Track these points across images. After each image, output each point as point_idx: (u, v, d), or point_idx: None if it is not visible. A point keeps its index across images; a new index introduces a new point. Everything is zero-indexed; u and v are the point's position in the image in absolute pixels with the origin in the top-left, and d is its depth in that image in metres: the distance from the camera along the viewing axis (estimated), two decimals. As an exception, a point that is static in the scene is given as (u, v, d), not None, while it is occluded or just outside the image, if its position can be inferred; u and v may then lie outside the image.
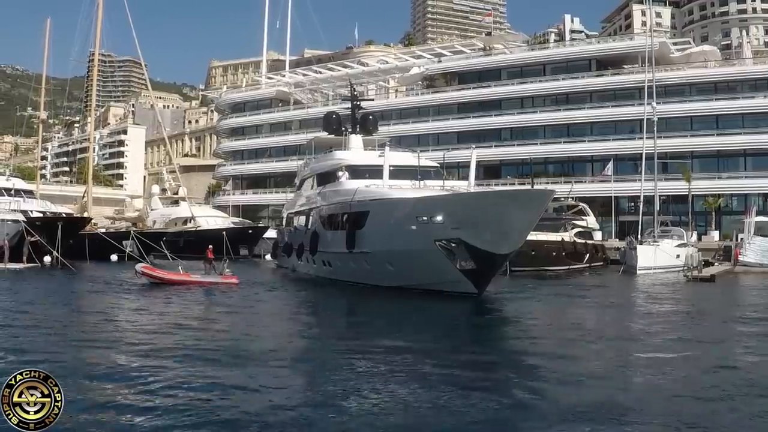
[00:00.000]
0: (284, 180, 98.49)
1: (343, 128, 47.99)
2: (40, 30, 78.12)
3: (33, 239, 47.91)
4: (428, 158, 45.56)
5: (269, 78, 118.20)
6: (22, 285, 37.12)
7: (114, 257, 54.33)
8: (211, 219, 74.25)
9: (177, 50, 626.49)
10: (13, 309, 25.90)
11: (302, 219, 49.40)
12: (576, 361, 16.83)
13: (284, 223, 62.08)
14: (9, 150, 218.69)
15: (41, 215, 53.11)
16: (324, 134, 51.19)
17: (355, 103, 48.38)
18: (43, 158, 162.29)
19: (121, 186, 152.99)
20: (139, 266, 36.44)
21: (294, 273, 47.76)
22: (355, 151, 44.52)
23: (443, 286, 31.19)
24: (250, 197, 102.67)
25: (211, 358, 16.44)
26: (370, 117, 50.58)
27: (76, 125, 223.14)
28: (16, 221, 49.62)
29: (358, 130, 47.06)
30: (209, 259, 39.09)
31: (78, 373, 14.21)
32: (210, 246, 40.83)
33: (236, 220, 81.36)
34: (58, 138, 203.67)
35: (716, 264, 54.57)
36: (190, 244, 60.46)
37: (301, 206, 50.17)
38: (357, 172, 39.31)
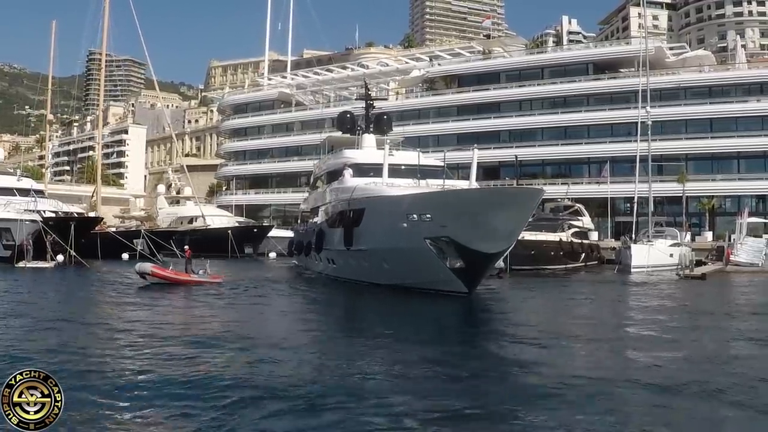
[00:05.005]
0: (285, 180, 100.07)
1: (357, 127, 48.18)
2: (38, 29, 79.73)
3: (49, 238, 49.28)
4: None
5: (270, 79, 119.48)
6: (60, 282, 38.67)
7: (125, 255, 55.44)
8: (216, 218, 75.33)
9: (174, 49, 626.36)
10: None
11: (315, 218, 50.13)
12: (571, 349, 18.65)
13: (299, 221, 63.17)
14: (8, 149, 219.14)
15: (54, 215, 54.25)
16: (338, 133, 51.65)
17: (369, 102, 48.62)
18: (44, 157, 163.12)
19: (123, 185, 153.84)
20: (148, 266, 36.59)
21: (307, 271, 48.47)
22: (365, 149, 44.64)
23: (436, 285, 31.03)
24: (252, 197, 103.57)
25: (216, 351, 17.09)
26: (385, 116, 50.76)
27: (75, 124, 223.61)
28: (33, 221, 50.87)
29: (371, 129, 47.24)
30: (189, 260, 39.33)
31: (84, 372, 14.42)
32: (186, 246, 41.29)
33: (241, 219, 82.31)
34: (57, 137, 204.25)
35: (709, 263, 55.87)
36: (197, 242, 61.70)
37: (313, 205, 50.99)
38: (362, 170, 39.42)
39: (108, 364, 15.50)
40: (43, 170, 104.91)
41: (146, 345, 17.99)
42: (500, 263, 41.74)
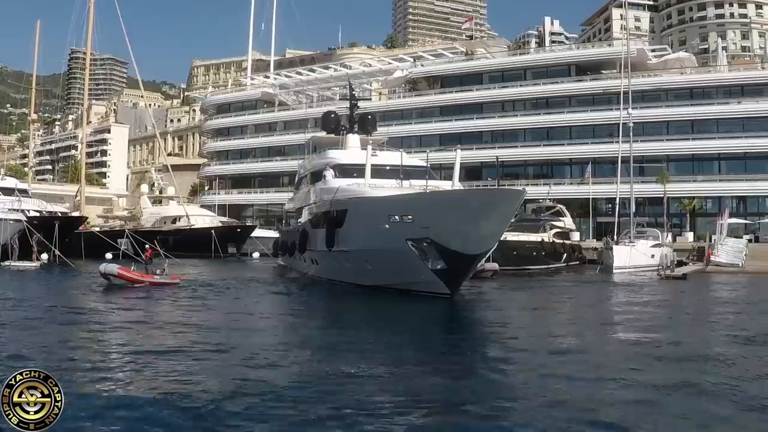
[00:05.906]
0: (268, 180, 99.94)
1: (342, 128, 48.01)
2: (20, 28, 79.46)
3: (34, 238, 49.31)
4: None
5: (253, 79, 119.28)
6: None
7: (109, 255, 55.38)
8: (200, 218, 75.21)
9: (156, 48, 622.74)
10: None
11: (299, 218, 49.93)
12: (554, 341, 18.96)
13: (284, 221, 63.16)
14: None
15: (38, 214, 54.24)
16: (322, 133, 51.43)
17: (353, 102, 48.43)
18: (26, 156, 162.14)
19: (105, 185, 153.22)
20: (114, 268, 36.24)
21: (292, 272, 48.51)
22: (349, 150, 44.48)
23: (418, 286, 31.01)
24: (235, 197, 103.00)
25: (206, 351, 17.19)
26: (369, 117, 50.66)
27: (57, 123, 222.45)
28: (18, 221, 50.83)
29: (356, 129, 47.02)
30: (149, 260, 38.99)
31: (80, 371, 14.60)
32: (147, 246, 41.18)
33: (224, 219, 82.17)
34: (39, 136, 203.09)
35: (690, 264, 56.43)
36: (180, 242, 61.75)
37: (298, 205, 50.90)
38: (346, 171, 39.34)
39: (96, 367, 15.47)
40: (26, 169, 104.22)
41: (130, 344, 18.19)
42: (495, 265, 42.19)
